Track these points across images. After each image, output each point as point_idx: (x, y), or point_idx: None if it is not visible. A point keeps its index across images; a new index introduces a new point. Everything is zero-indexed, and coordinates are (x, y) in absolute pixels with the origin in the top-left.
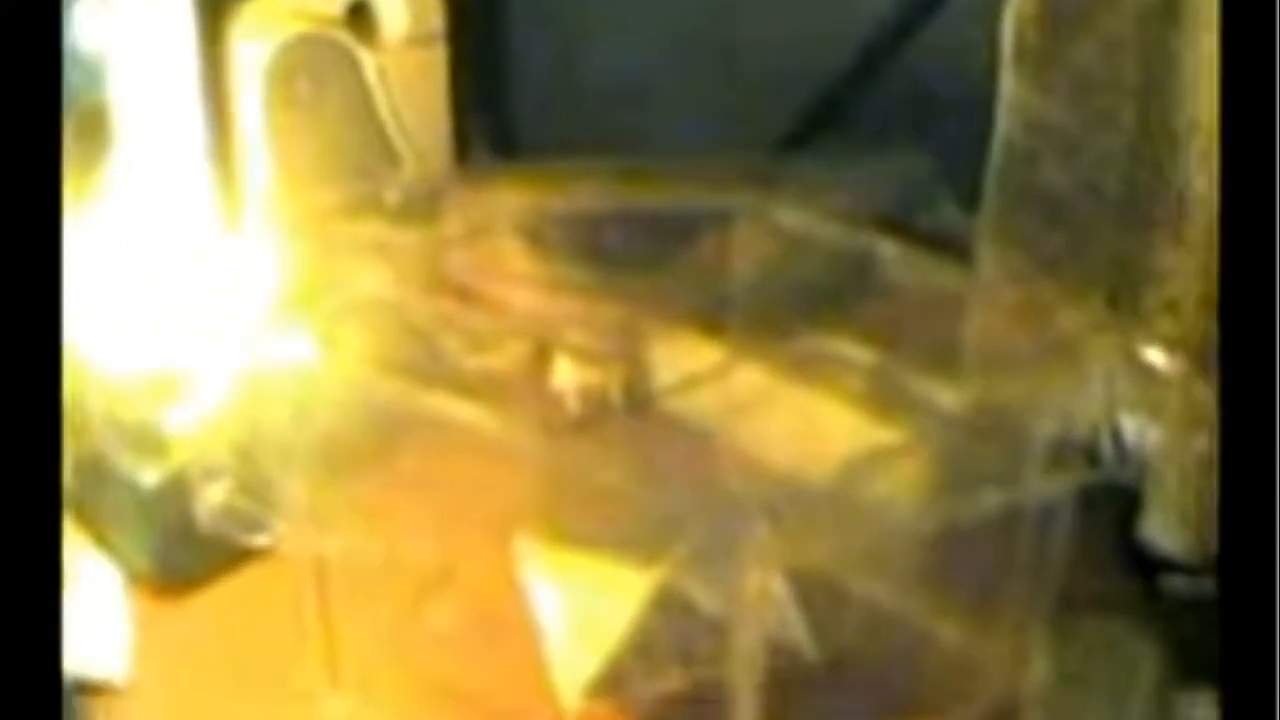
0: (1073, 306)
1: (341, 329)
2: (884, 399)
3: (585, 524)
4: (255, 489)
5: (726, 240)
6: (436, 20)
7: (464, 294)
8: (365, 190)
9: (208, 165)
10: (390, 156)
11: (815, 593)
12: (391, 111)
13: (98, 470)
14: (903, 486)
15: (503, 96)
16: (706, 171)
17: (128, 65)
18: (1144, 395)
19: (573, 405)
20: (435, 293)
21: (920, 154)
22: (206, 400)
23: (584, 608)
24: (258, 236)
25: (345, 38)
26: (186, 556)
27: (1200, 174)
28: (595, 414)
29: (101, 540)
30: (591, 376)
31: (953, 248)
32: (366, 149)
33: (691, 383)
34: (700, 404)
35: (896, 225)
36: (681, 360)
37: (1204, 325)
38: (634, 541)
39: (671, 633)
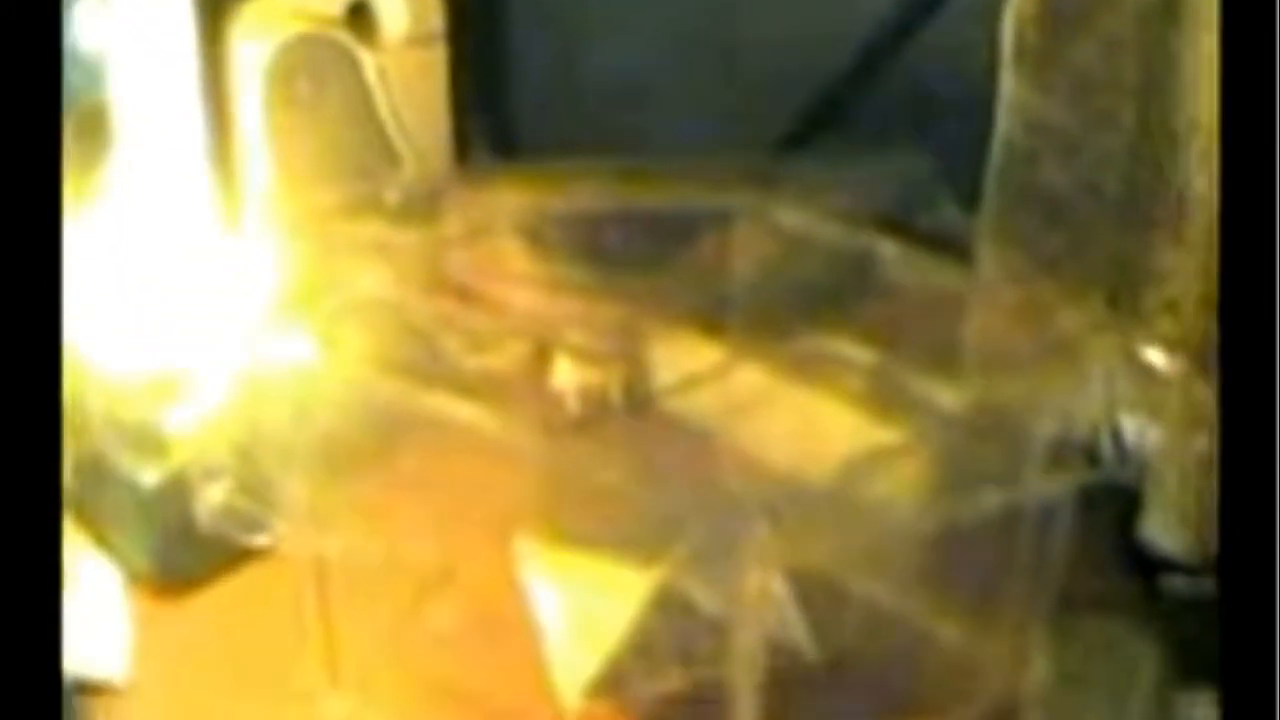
0: (1073, 306)
1: (341, 329)
2: (884, 399)
3: (585, 524)
4: (255, 489)
5: (726, 240)
6: (436, 20)
7: (464, 294)
8: (365, 190)
9: (208, 165)
10: (390, 156)
11: (815, 593)
12: (391, 111)
13: (98, 470)
14: (903, 486)
15: (503, 96)
16: (706, 171)
17: (128, 65)
18: (1144, 395)
19: (573, 405)
20: (435, 293)
21: (920, 154)
22: (206, 400)
23: (584, 608)
24: (258, 236)
25: (345, 38)
26: (186, 556)
27: (1200, 174)
28: (595, 414)
29: (101, 540)
30: (591, 376)
31: (953, 248)
32: (366, 149)
33: (691, 383)
34: (700, 404)
35: (896, 225)
36: (681, 360)
37: (1204, 325)
38: (634, 541)
39: (671, 633)
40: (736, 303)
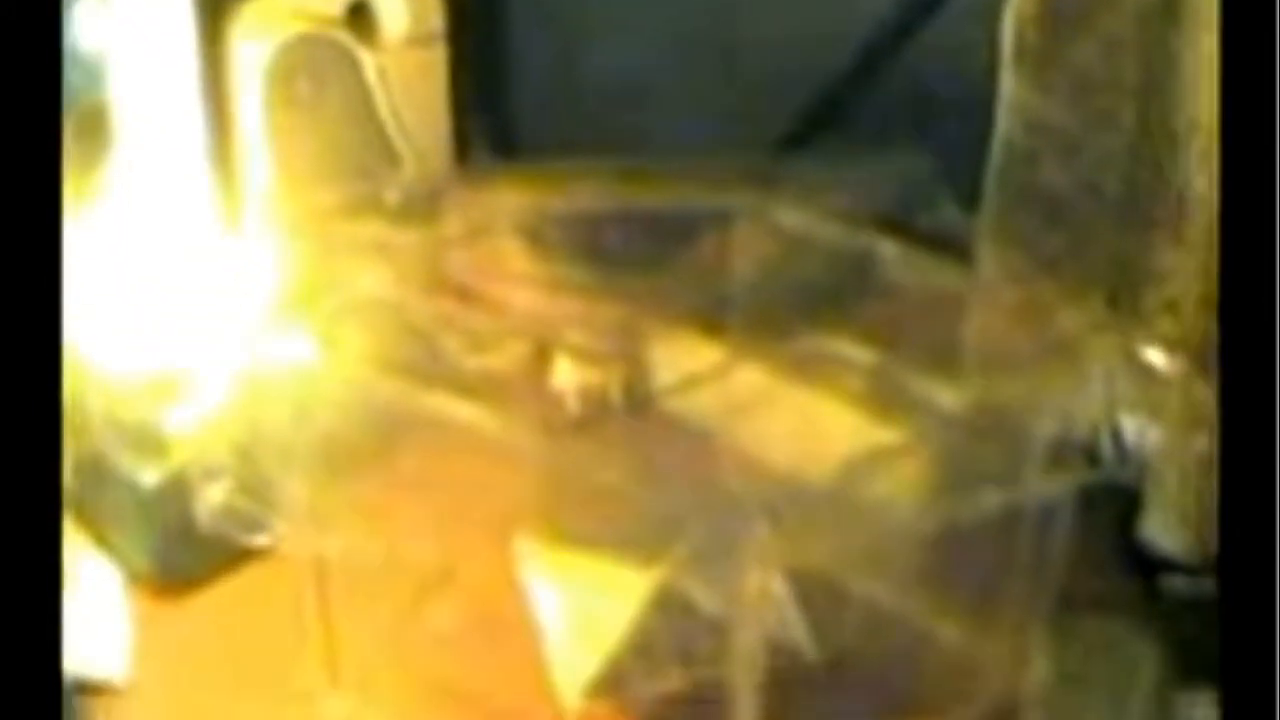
0: (1073, 306)
1: (341, 329)
2: (884, 399)
3: (585, 524)
4: (255, 489)
5: (726, 240)
6: (436, 20)
7: (464, 294)
8: (365, 190)
9: (208, 165)
10: (390, 156)
11: (815, 593)
12: (391, 111)
13: (98, 470)
14: (903, 486)
15: (503, 96)
16: (706, 171)
17: (128, 65)
18: (1144, 395)
19: (573, 405)
20: (435, 293)
21: (920, 154)
22: (206, 400)
23: (584, 608)
24: (258, 236)
25: (345, 38)
26: (186, 556)
27: (1200, 174)
28: (595, 414)
29: (101, 540)
30: (591, 376)
31: (953, 248)
32: (366, 149)
33: (691, 383)
34: (700, 404)
35: (896, 225)
36: (681, 360)
37: (1204, 325)
38: (634, 541)
39: (671, 633)
40: (736, 303)
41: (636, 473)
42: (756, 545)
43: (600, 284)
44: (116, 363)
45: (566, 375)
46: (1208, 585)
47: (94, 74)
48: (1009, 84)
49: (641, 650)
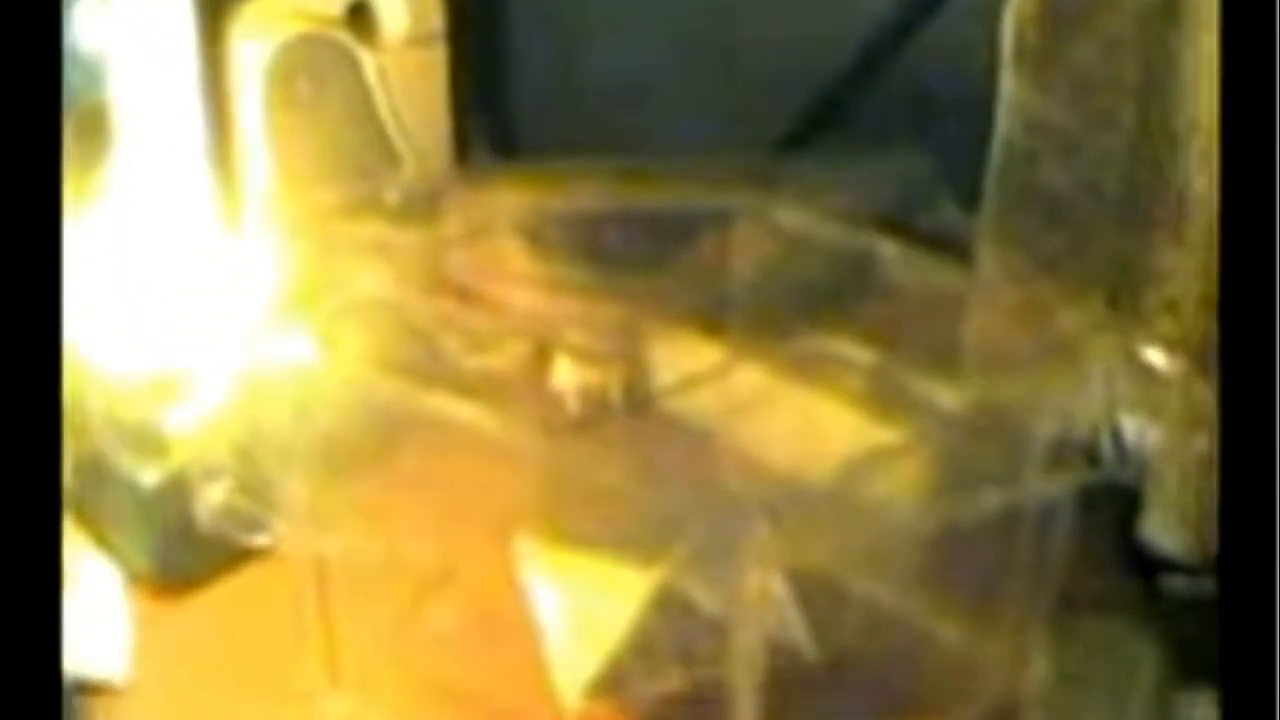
0: (1073, 306)
1: (341, 329)
2: (884, 399)
3: (585, 524)
4: (255, 489)
5: (726, 240)
6: (436, 20)
7: (464, 294)
8: (365, 190)
9: (208, 165)
10: (390, 156)
11: (815, 593)
12: (391, 111)
13: (98, 470)
14: (903, 486)
15: (503, 96)
16: (706, 171)
17: (127, 65)
18: (1144, 395)
19: (573, 405)
20: (435, 293)
21: (920, 154)
22: (206, 400)
23: (584, 608)
24: (258, 236)
25: (345, 38)
26: (186, 556)
27: (1200, 174)
28: (595, 414)
29: (101, 540)
30: (591, 376)
31: (953, 248)
32: (366, 149)
33: (691, 383)
34: (700, 404)
35: (896, 225)
36: (681, 360)
37: (1204, 325)
38: (634, 541)
39: (671, 633)
40: (736, 303)
41: (636, 473)
42: (756, 545)
43: (600, 284)
44: (116, 363)
45: (566, 375)
46: (1207, 585)
47: (94, 74)
48: (1009, 84)
49: (641, 650)
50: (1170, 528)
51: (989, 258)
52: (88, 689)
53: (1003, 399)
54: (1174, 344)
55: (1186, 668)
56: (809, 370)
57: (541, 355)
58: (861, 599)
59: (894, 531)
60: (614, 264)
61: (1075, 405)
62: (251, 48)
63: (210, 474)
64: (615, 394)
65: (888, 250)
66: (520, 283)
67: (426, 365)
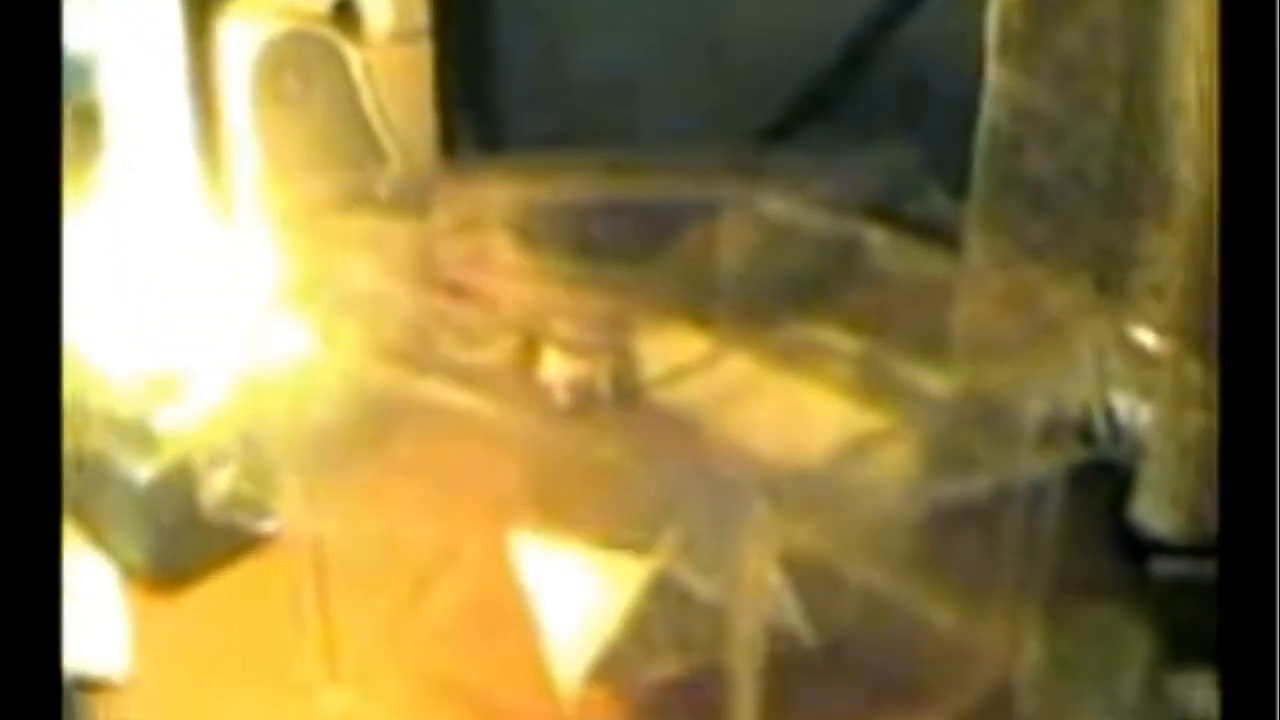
0: (1060, 290)
1: (336, 321)
2: (872, 386)
3: (580, 510)
4: (259, 476)
5: (713, 231)
6: (421, 16)
7: (453, 288)
8: (353, 184)
9: (196, 161)
10: (377, 152)
11: (810, 579)
12: (378, 107)
13: (92, 467)
14: (893, 472)
15: (488, 92)
16: (693, 163)
17: (117, 63)
18: (1135, 375)
19: (562, 397)
20: (425, 286)
21: (907, 144)
22: (204, 395)
23: (581, 595)
24: (249, 232)
25: (331, 34)
26: (182, 552)
27: (1185, 159)
28: (584, 405)
29: (96, 537)
30: (580, 368)
31: (941, 235)
32: (353, 144)
33: (680, 373)
34: (689, 394)
35: (884, 213)
36: (670, 351)
37: (1188, 310)
38: (629, 528)
39: (668, 619)
40: (724, 293)
41: (629, 459)
42: (751, 530)
43: (587, 276)
44: (112, 360)
45: (555, 368)
46: (1200, 567)
47: (84, 72)
48: (994, 71)
49: (639, 637)
50: (1162, 509)
51: (976, 244)
52: (87, 686)
53: (992, 383)
54: (1160, 329)
55: (1179, 650)
56: (797, 359)
57: (530, 348)
58: (856, 585)
59: (886, 517)
60: (601, 256)
61: (1066, 386)
62: (238, 44)
63: (215, 462)
64: (604, 385)
65: (875, 238)
66: (508, 275)
67: (419, 355)
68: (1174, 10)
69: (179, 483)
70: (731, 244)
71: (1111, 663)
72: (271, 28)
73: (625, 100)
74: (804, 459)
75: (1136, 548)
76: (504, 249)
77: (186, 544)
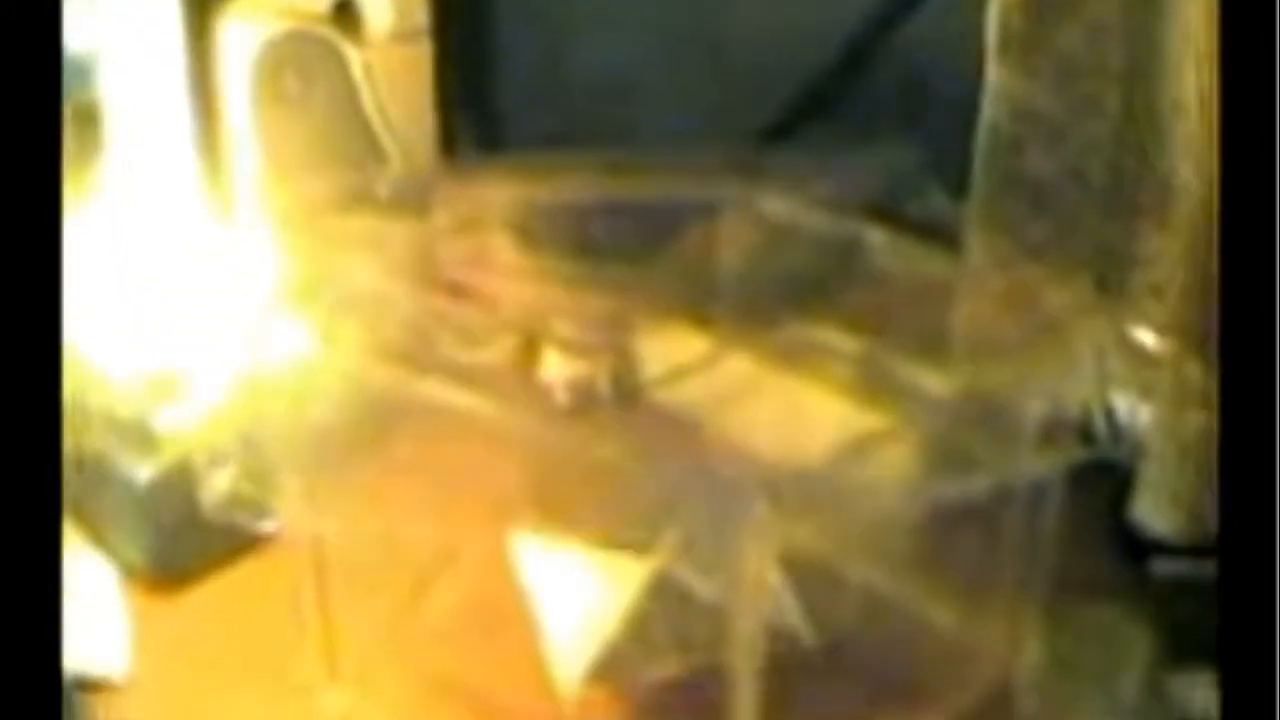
0: (1061, 289)
1: (336, 321)
2: (872, 386)
3: (580, 511)
4: (259, 476)
5: (713, 231)
6: (421, 16)
7: (453, 288)
8: (354, 184)
9: (196, 161)
10: (377, 152)
11: (810, 579)
12: (378, 107)
13: (93, 467)
14: (893, 472)
15: (488, 92)
16: (693, 163)
17: (116, 64)
18: (1135, 375)
19: (561, 397)
20: (425, 287)
21: (908, 144)
22: (204, 395)
23: (581, 594)
24: (249, 232)
25: (331, 34)
26: (181, 552)
27: (1185, 159)
28: (584, 405)
29: (96, 537)
30: (580, 368)
31: (941, 235)
32: (353, 144)
33: (680, 373)
34: (689, 394)
35: (884, 213)
36: (670, 351)
37: (1188, 310)
38: (629, 528)
39: (668, 619)
40: (724, 293)
41: (629, 459)
42: (751, 531)
43: (587, 276)
44: (112, 360)
45: (555, 368)
46: (1200, 567)
47: (83, 73)
48: (994, 71)
49: (639, 637)
50: (1162, 509)
51: (976, 244)
52: (87, 686)
53: (992, 383)
54: (1160, 329)
55: (1179, 650)
56: (797, 359)
57: (530, 348)
58: (856, 585)
59: (886, 517)
60: (601, 256)
61: (1066, 386)
62: (238, 44)
63: (215, 462)
64: (604, 385)
65: (875, 238)
66: (508, 275)
67: (419, 355)
68: (1174, 10)
69: (179, 483)
70: (731, 244)
71: (1111, 663)
72: (271, 28)
73: (625, 100)
74: (804, 459)
75: (1136, 548)
76: (504, 249)
77: (186, 544)
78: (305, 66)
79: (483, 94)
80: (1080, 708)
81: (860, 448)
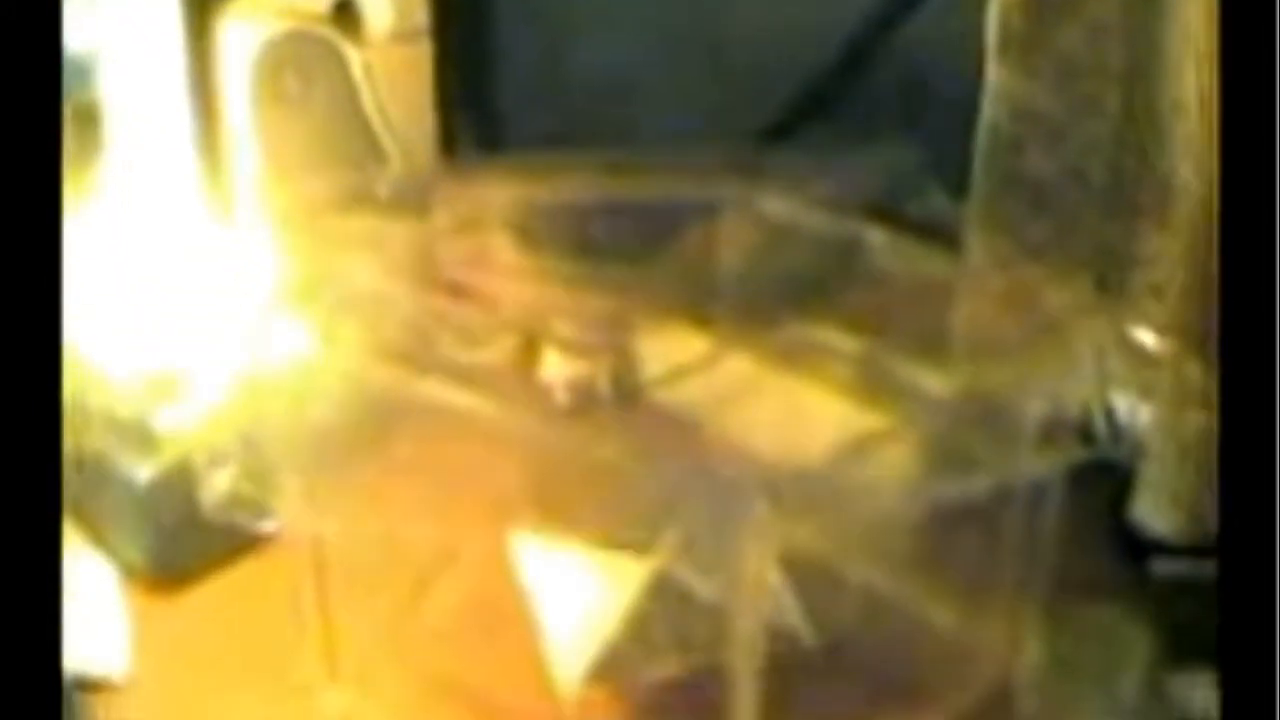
0: (1061, 289)
1: (336, 321)
2: (872, 386)
3: (580, 511)
4: (259, 476)
5: (713, 231)
6: (421, 16)
7: (454, 288)
8: (354, 184)
9: (196, 161)
10: (377, 152)
11: (809, 579)
12: (378, 107)
13: (93, 467)
14: (893, 472)
15: (488, 92)
16: (693, 163)
17: (116, 63)
18: (1135, 374)
19: (561, 397)
20: (425, 287)
21: (908, 144)
22: (204, 395)
23: (581, 594)
24: (250, 232)
25: (331, 34)
26: (181, 552)
27: (1185, 159)
28: (584, 405)
29: (96, 537)
30: (580, 369)
31: (941, 235)
32: (353, 144)
33: (680, 373)
34: (689, 394)
35: (884, 213)
36: (669, 351)
37: (1188, 310)
38: (629, 528)
39: (668, 619)
40: (724, 293)
41: (629, 459)
42: (751, 531)
43: (588, 276)
44: (112, 360)
45: (555, 368)
46: (1200, 567)
47: (84, 72)
48: (994, 71)
49: (639, 637)
50: (1161, 509)
51: (976, 244)
52: (87, 686)
53: (992, 383)
54: (1161, 329)
55: (1179, 650)
56: (797, 359)
57: (530, 348)
58: (856, 585)
59: (886, 517)
60: (601, 256)
61: (1066, 386)
62: (238, 44)
63: (215, 462)
64: (604, 385)
65: (875, 238)
66: (508, 275)
67: (419, 355)
68: (1174, 10)
69: (179, 483)
70: (731, 244)
71: (1112, 663)
72: (271, 28)
73: (625, 100)
74: (804, 459)
75: (1136, 548)
76: (504, 249)
77: (186, 544)
78: (305, 66)
79: (483, 94)
80: (1080, 708)
81: (860, 448)
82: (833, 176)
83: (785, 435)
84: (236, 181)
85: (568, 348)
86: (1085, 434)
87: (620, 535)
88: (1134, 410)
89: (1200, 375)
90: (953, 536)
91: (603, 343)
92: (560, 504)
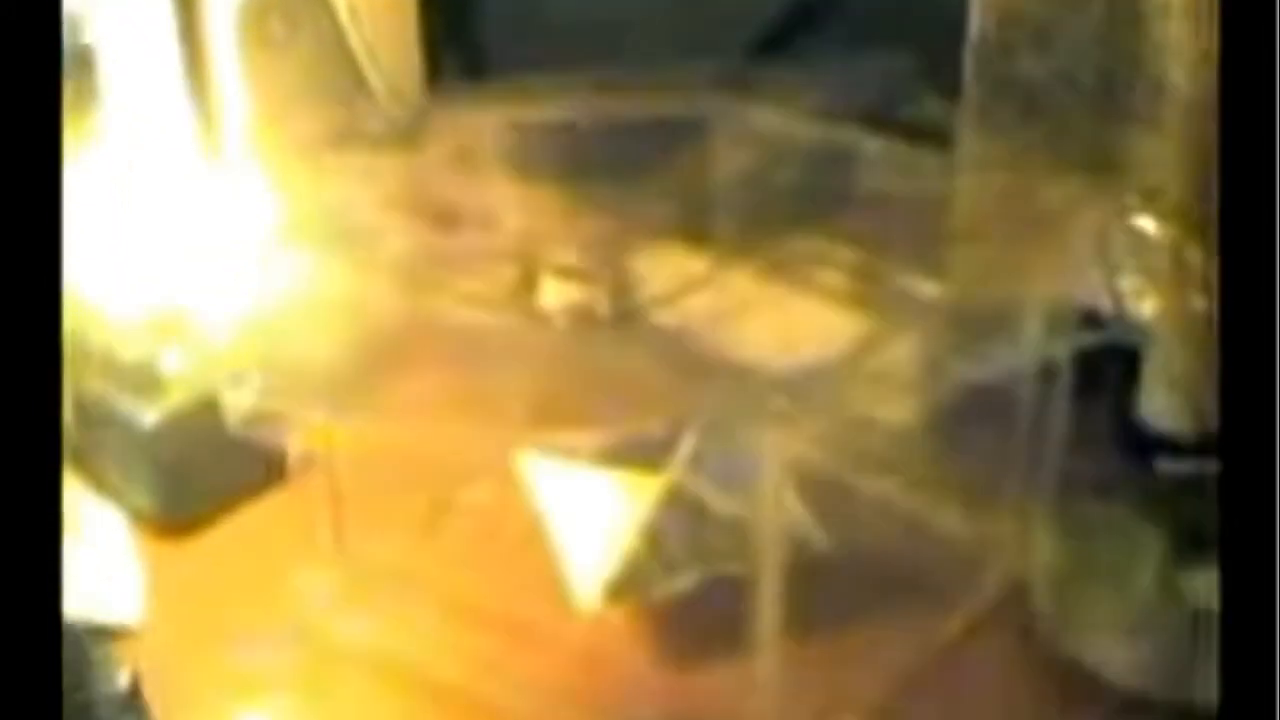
0: (1057, 184)
1: (334, 255)
2: (870, 294)
3: (592, 426)
4: (279, 392)
5: (705, 148)
6: None
7: (447, 218)
8: (343, 121)
9: (187, 105)
10: (365, 92)
11: (819, 487)
12: (364, 48)
13: (97, 412)
14: (897, 376)
15: (472, 25)
16: (681, 80)
17: (106, 11)
18: (1138, 261)
19: (561, 325)
20: (419, 217)
21: (900, 52)
22: (207, 333)
23: (596, 512)
24: (244, 170)
25: None
26: (190, 494)
27: (1174, 62)
28: (585, 330)
29: (102, 483)
30: (578, 293)
31: (934, 137)
32: (340, 83)
33: (678, 292)
34: (688, 312)
35: (877, 120)
36: (667, 271)
37: (1185, 212)
38: (640, 443)
39: (684, 531)
40: (719, 210)
41: (632, 379)
42: (769, 425)
43: (580, 198)
44: (114, 304)
45: (554, 295)
46: (1206, 465)
47: (74, 21)
48: None
49: (656, 551)
50: (1168, 404)
51: (970, 148)
52: (103, 632)
53: (993, 275)
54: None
55: (1190, 547)
56: (795, 272)
57: (527, 277)
58: (867, 492)
59: (894, 418)
60: (593, 177)
61: (1067, 276)
62: None
63: (237, 379)
64: (602, 308)
65: (869, 147)
66: (501, 203)
67: (419, 285)
68: None
69: (186, 425)
70: (723, 160)
71: (1123, 560)
72: None
73: (610, 25)
74: (808, 369)
75: (1143, 446)
76: (495, 176)
77: (195, 486)
78: (291, 10)
79: (467, 27)
80: (1093, 606)
81: (863, 352)
82: (824, 87)
83: (787, 348)
84: (227, 125)
85: (565, 274)
86: (1092, 319)
87: (633, 450)
88: (1140, 294)
89: (1200, 260)
90: (961, 435)
91: (599, 266)
92: (573, 419)
